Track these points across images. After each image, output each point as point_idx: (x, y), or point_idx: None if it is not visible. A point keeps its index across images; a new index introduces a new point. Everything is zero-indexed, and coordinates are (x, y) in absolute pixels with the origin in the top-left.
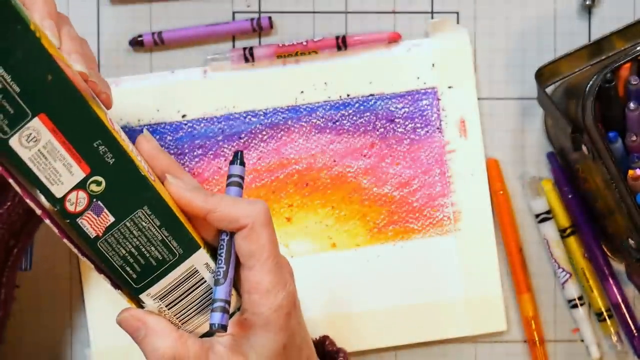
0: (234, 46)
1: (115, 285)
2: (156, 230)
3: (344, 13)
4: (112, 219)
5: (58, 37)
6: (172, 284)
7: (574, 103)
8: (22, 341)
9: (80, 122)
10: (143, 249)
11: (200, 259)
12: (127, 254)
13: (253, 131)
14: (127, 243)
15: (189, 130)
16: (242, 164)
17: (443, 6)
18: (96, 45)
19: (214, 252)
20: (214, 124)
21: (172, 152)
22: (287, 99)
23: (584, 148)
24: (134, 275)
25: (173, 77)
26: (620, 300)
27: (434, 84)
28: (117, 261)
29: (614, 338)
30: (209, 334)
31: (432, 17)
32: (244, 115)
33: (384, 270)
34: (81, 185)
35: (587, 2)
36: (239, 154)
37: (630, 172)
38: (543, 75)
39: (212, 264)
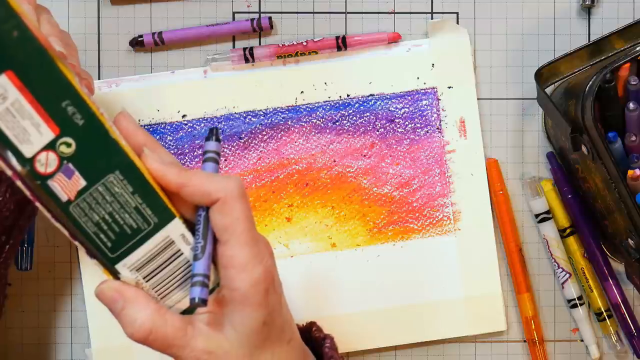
0: (234, 46)
1: (91, 254)
2: (129, 196)
3: (344, 13)
4: (83, 182)
5: (36, 21)
6: (149, 254)
7: (574, 103)
8: (23, 341)
9: (47, 80)
10: (117, 216)
11: (176, 229)
12: (100, 220)
13: (253, 131)
14: (100, 209)
15: (189, 130)
16: (218, 140)
17: (443, 6)
18: (96, 45)
19: (193, 229)
20: (214, 124)
21: (172, 152)
22: (287, 99)
23: (583, 148)
24: (109, 244)
25: (173, 77)
26: (619, 300)
27: (433, 84)
28: (91, 227)
29: (614, 338)
30: (188, 311)
31: (432, 18)
32: (244, 115)
33: (384, 270)
34: (51, 146)
35: (587, 3)
36: (214, 129)
37: (630, 172)
38: (543, 76)
39: (189, 236)
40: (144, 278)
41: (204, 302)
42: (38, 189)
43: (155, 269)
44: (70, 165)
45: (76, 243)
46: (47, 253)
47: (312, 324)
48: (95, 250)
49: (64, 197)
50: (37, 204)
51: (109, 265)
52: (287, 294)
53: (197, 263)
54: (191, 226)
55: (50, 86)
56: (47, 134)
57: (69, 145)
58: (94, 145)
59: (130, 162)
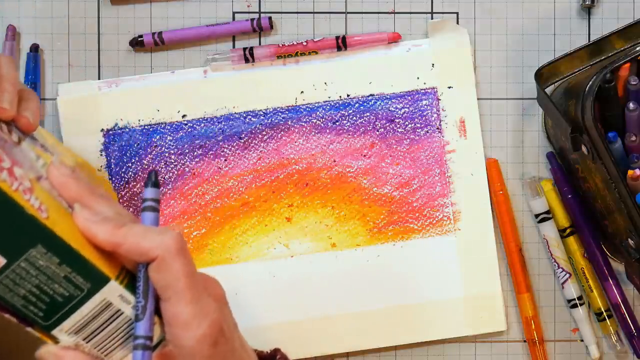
0: (234, 46)
1: (24, 323)
2: (56, 267)
3: (344, 13)
4: (3, 260)
5: None
6: (85, 318)
7: (574, 103)
8: (22, 341)
9: None
10: (45, 287)
11: (113, 291)
12: (28, 294)
13: (253, 131)
14: (26, 283)
15: (189, 130)
16: (156, 185)
17: (443, 6)
18: (96, 45)
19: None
20: (214, 124)
21: (172, 152)
22: (287, 99)
23: (583, 148)
24: (40, 314)
25: (173, 77)
26: (619, 300)
27: (433, 84)
28: (18, 301)
29: (614, 338)
30: None
31: (432, 18)
32: (244, 115)
33: (384, 270)
34: None
35: (587, 3)
36: (153, 174)
37: (630, 172)
38: (543, 76)
39: (128, 295)
40: (84, 339)
41: None
42: None
43: (95, 330)
44: None
45: (7, 316)
46: None
47: (276, 352)
48: (27, 320)
49: None
50: None
51: (45, 332)
52: (287, 294)
53: (138, 324)
54: (135, 279)
55: None
56: None
57: None
58: (10, 224)
59: (52, 235)
